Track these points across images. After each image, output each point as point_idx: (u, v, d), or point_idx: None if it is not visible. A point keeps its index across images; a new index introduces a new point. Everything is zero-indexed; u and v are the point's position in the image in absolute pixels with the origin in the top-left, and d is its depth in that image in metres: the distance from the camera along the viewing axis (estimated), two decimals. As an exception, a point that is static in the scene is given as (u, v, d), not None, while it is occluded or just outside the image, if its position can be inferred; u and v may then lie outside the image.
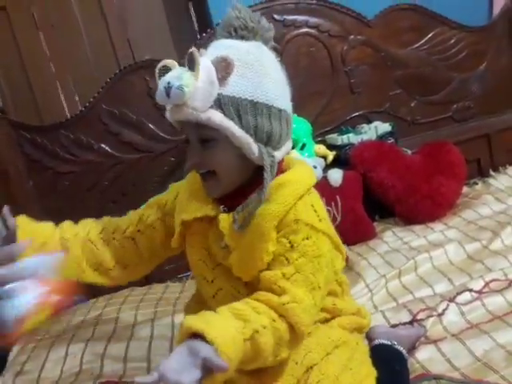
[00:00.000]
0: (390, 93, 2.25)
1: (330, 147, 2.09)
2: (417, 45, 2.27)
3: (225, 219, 0.85)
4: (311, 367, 0.85)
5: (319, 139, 2.15)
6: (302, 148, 2.05)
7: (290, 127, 0.86)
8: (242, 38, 0.82)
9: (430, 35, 2.28)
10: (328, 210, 1.80)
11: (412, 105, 2.28)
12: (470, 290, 1.29)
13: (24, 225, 0.90)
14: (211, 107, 0.77)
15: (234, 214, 0.84)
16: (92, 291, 1.84)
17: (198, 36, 2.13)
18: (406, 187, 1.88)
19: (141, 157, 1.98)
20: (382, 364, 0.94)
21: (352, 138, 2.03)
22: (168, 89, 0.76)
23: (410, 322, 1.21)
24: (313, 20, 2.15)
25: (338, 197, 1.82)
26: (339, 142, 2.04)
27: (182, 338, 0.71)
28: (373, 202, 1.94)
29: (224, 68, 0.77)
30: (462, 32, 2.31)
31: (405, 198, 1.87)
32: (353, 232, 1.80)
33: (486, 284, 1.30)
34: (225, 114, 0.77)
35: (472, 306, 1.24)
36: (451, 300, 1.26)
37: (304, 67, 2.17)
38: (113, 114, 1.95)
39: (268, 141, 0.81)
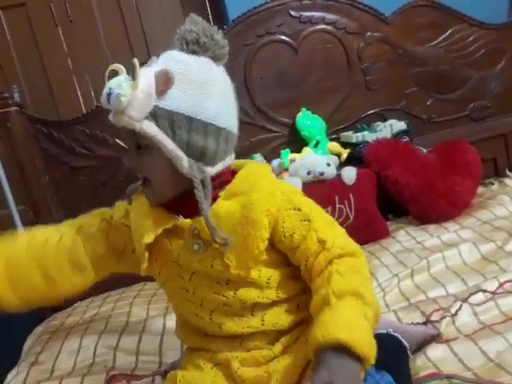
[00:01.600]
0: (406, 91, 2.23)
1: (345, 145, 2.08)
2: (435, 42, 2.24)
3: (203, 226, 0.83)
4: None
5: (334, 137, 2.14)
6: (316, 146, 2.04)
7: (230, 144, 0.87)
8: (193, 52, 0.83)
9: (448, 32, 2.25)
10: (341, 208, 1.80)
11: (428, 103, 2.26)
12: (484, 291, 1.27)
13: None
14: (147, 118, 0.78)
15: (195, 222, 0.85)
16: (105, 287, 1.86)
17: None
18: (420, 186, 1.86)
19: (155, 152, 2.00)
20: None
21: (367, 135, 2.02)
22: (109, 95, 0.79)
23: (424, 323, 1.20)
24: (329, 16, 2.14)
25: (351, 195, 1.81)
26: (354, 140, 2.03)
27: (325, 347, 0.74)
28: (386, 200, 1.92)
29: (164, 82, 0.78)
30: (481, 29, 2.28)
31: (419, 196, 1.85)
32: (365, 231, 1.79)
33: (501, 285, 1.28)
34: (159, 127, 0.79)
35: (485, 306, 1.22)
36: (464, 300, 1.25)
37: (320, 64, 2.16)
38: (128, 110, 1.97)
39: (201, 157, 0.82)
